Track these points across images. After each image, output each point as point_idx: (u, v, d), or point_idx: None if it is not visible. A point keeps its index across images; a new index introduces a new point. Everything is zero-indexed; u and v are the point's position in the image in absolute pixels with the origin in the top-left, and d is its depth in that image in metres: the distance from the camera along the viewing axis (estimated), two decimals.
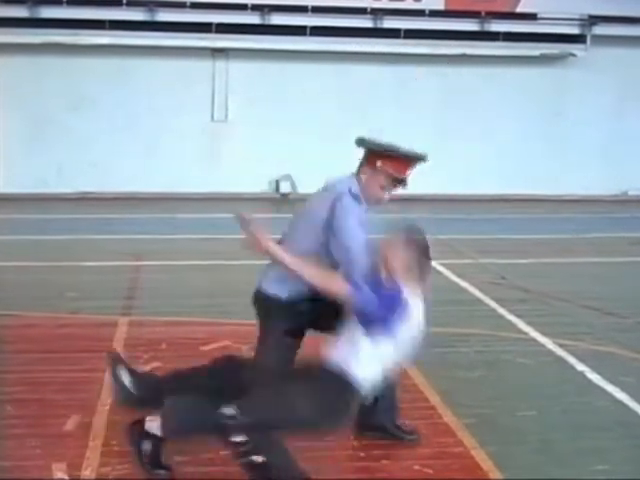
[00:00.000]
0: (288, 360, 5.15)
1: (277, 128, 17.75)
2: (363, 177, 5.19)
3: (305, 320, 5.24)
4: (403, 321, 4.52)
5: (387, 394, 5.26)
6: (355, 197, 5.13)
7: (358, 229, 5.05)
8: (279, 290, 5.16)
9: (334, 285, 4.58)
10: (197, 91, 17.99)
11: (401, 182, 5.19)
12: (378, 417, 5.42)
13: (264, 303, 5.28)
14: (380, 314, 4.48)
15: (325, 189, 5.37)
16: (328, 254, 5.04)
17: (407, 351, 4.68)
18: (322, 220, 5.08)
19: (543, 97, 19.19)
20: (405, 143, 16.53)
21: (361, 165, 5.25)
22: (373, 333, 4.51)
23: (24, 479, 4.84)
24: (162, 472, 4.79)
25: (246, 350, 6.85)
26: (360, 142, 5.27)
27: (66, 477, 4.85)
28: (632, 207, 18.05)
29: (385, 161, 5.11)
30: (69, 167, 17.49)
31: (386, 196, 5.24)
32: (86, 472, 4.91)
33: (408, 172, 5.19)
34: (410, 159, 5.19)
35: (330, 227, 5.04)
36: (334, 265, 5.01)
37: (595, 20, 18.57)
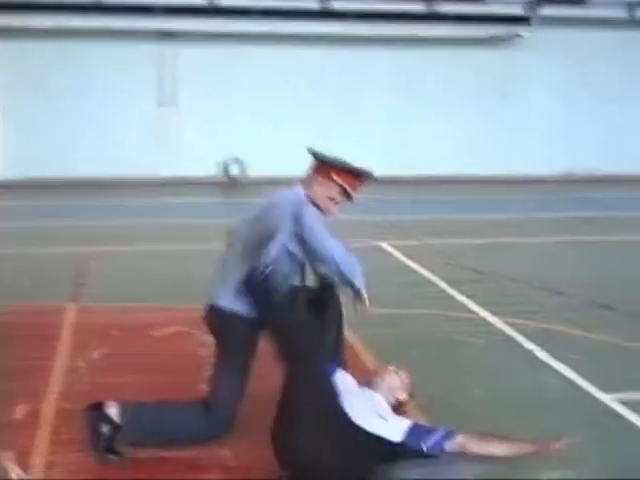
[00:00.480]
0: (246, 378, 5.19)
1: (226, 111, 17.75)
2: (315, 187, 5.20)
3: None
4: None
5: None
6: (314, 205, 5.15)
7: (328, 236, 5.07)
8: (237, 305, 5.14)
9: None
10: (146, 75, 17.91)
11: (350, 197, 5.25)
12: None
13: (221, 320, 5.25)
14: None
15: (274, 201, 5.30)
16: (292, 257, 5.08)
17: None
18: (285, 225, 5.05)
19: (491, 78, 19.33)
20: (356, 125, 16.54)
21: (312, 175, 5.25)
22: None
23: None
24: (113, 457, 4.77)
25: (199, 335, 6.85)
26: (315, 153, 5.28)
27: (14, 466, 4.80)
28: (580, 186, 18.23)
29: (341, 174, 5.16)
30: (18, 154, 17.31)
31: (334, 208, 5.25)
32: (35, 460, 4.87)
33: (359, 188, 5.25)
34: (364, 176, 5.26)
35: (302, 238, 5.05)
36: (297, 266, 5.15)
37: (540, 1, 18.69)
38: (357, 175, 5.23)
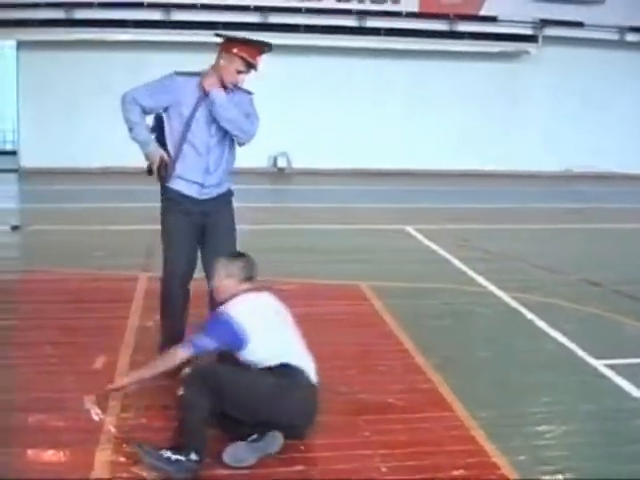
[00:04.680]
0: None
1: (275, 112, 17.65)
2: (221, 62, 5.19)
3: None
4: (242, 331, 4.50)
5: None
6: (178, 74, 5.28)
7: (140, 87, 5.39)
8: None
9: (174, 359, 4.59)
10: None
11: (253, 67, 5.23)
12: None
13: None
14: (220, 344, 4.53)
15: None
16: None
17: (277, 338, 4.62)
18: None
19: (501, 87, 19.18)
20: (386, 126, 16.47)
21: (218, 54, 5.25)
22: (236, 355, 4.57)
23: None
24: None
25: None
26: (219, 34, 5.31)
27: (95, 407, 4.86)
28: (575, 182, 18.13)
29: (240, 47, 5.15)
30: (96, 145, 17.36)
31: (241, 79, 5.25)
32: (113, 403, 4.92)
33: (258, 58, 5.24)
34: (260, 46, 5.25)
35: None
36: None
37: (545, 23, 18.56)
38: (253, 45, 5.21)
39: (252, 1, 17.54)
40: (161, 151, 5.28)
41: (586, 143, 19.22)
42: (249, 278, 4.79)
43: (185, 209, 5.33)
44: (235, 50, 5.14)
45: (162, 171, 5.31)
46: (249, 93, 5.48)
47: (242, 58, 5.14)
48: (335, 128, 18.11)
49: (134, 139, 5.36)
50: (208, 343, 4.53)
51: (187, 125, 5.21)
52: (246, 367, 4.55)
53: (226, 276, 4.76)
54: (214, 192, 5.39)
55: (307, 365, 4.61)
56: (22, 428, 4.62)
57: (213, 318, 4.69)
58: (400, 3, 17.94)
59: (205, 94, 5.18)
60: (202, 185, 5.32)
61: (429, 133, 18.63)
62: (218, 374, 4.40)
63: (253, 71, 5.26)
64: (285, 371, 4.50)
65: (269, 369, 4.51)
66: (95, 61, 17.46)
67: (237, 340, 4.51)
